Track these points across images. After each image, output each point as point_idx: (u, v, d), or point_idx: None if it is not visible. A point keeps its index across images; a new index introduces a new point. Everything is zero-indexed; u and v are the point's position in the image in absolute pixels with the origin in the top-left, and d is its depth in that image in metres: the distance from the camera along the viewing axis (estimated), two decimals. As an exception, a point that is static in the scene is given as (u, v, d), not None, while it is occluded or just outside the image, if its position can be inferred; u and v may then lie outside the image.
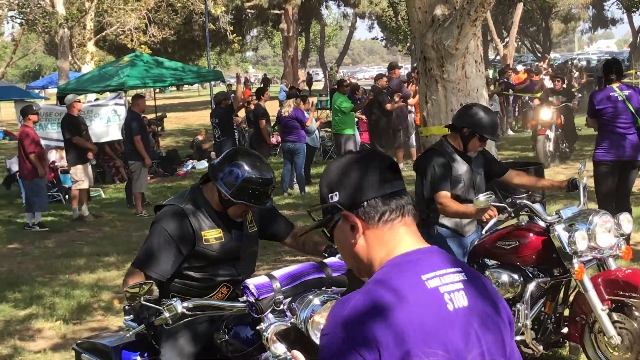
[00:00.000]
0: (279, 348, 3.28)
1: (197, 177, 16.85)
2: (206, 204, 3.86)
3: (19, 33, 36.60)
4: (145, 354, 3.94)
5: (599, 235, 4.92)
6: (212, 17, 28.82)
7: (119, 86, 17.30)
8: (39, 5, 24.69)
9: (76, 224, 12.69)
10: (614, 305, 4.89)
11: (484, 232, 5.40)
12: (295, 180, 14.13)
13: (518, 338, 5.02)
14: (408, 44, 36.63)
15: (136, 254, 3.96)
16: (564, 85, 16.34)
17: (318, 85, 50.73)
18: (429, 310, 1.83)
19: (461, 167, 5.30)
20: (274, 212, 4.18)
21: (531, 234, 5.09)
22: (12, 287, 8.55)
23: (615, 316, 4.85)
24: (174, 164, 19.03)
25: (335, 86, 16.81)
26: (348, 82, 17.99)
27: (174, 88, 50.76)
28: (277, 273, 3.49)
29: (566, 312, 5.25)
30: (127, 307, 3.62)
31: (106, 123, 17.23)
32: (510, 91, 21.22)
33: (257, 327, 3.39)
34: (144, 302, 3.34)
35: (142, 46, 27.20)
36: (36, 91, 34.65)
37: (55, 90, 23.70)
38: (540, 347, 5.07)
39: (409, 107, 15.98)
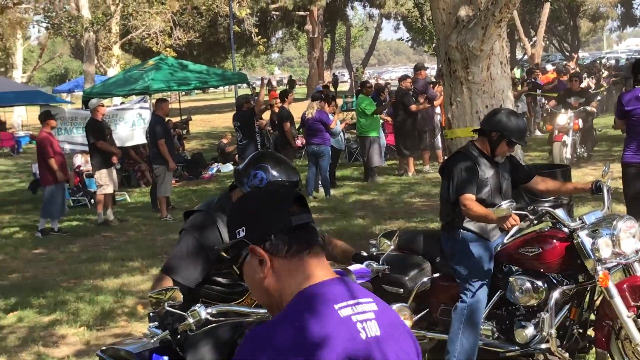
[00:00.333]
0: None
1: (222, 181, 17.05)
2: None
3: (45, 37, 36.97)
4: (170, 361, 3.91)
5: (623, 240, 4.83)
6: (237, 19, 28.85)
7: (143, 90, 17.40)
8: (64, 9, 24.89)
9: (101, 228, 12.71)
10: (640, 312, 4.79)
11: (505, 240, 5.30)
12: (320, 184, 14.03)
13: (543, 346, 4.92)
14: (434, 45, 36.47)
15: (161, 258, 3.95)
16: (582, 86, 15.71)
17: (344, 87, 50.64)
18: (344, 337, 1.84)
19: (488, 171, 5.23)
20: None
21: (554, 241, 5.01)
22: (36, 292, 8.58)
23: (641, 322, 4.76)
24: (199, 167, 18.98)
25: (359, 87, 16.71)
26: (372, 83, 17.85)
27: (200, 90, 51.00)
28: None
29: (592, 317, 5.16)
30: (151, 313, 3.60)
31: (131, 127, 17.26)
32: (538, 91, 20.87)
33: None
34: (167, 308, 3.32)
35: (168, 49, 27.36)
36: (63, 95, 34.96)
37: (81, 94, 23.87)
38: (566, 355, 4.99)
39: (435, 108, 15.82)
